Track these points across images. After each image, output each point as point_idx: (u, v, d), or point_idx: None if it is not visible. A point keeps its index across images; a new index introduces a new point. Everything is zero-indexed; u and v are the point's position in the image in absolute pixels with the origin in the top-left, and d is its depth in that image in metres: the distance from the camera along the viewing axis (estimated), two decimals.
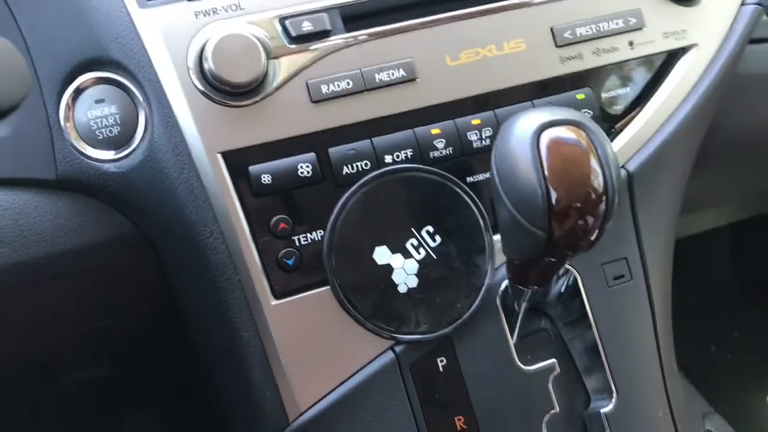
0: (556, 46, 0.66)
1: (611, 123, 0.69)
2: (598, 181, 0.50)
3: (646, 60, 0.70)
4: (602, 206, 0.50)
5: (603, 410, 0.64)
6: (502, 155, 0.52)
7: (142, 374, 0.89)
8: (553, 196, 0.49)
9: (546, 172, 0.49)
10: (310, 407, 0.60)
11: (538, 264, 0.56)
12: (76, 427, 0.92)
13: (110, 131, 0.61)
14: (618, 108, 0.69)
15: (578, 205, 0.50)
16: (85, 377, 0.86)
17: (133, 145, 0.61)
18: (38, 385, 0.81)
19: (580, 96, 0.67)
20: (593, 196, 0.50)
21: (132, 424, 0.97)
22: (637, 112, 0.69)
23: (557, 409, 0.64)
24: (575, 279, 0.66)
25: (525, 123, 0.51)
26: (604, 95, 0.68)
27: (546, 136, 0.50)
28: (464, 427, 0.62)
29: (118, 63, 0.60)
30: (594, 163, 0.50)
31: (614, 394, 0.65)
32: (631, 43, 0.69)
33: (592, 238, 0.52)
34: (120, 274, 0.68)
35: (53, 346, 0.74)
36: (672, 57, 0.70)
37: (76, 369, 0.84)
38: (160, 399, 0.92)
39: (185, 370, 0.81)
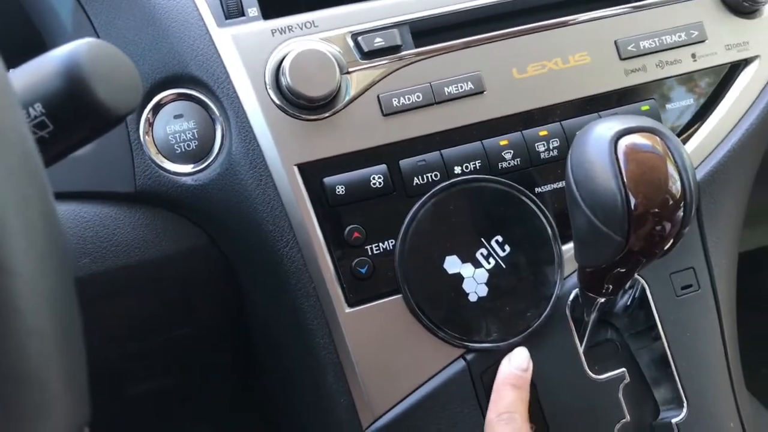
0: (621, 58, 0.68)
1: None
2: (675, 187, 0.51)
3: (709, 72, 0.70)
4: (680, 212, 0.51)
5: (674, 420, 0.64)
6: (578, 163, 0.53)
7: (204, 385, 0.91)
8: (632, 201, 0.50)
9: (625, 178, 0.50)
10: (384, 414, 0.61)
11: (611, 272, 0.57)
12: None
13: (188, 145, 0.63)
14: (681, 120, 0.70)
15: (656, 210, 0.50)
16: (150, 387, 0.87)
17: (210, 159, 0.63)
18: (105, 394, 0.82)
19: (645, 108, 0.68)
20: (671, 201, 0.51)
21: None
22: (701, 124, 0.70)
23: (628, 418, 0.64)
24: (643, 289, 0.66)
25: (601, 131, 0.52)
26: (667, 107, 0.69)
27: (623, 143, 0.51)
28: None
29: (198, 80, 0.63)
30: (671, 169, 0.51)
31: (685, 405, 0.65)
32: (693, 56, 0.69)
33: (669, 244, 0.52)
34: (193, 284, 0.69)
35: (124, 355, 0.76)
36: (734, 69, 0.71)
37: (142, 379, 0.85)
38: (220, 410, 0.93)
39: (246, 380, 0.82)
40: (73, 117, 0.37)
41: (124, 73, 0.39)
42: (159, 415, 0.91)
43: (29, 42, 0.69)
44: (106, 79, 0.37)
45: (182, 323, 0.72)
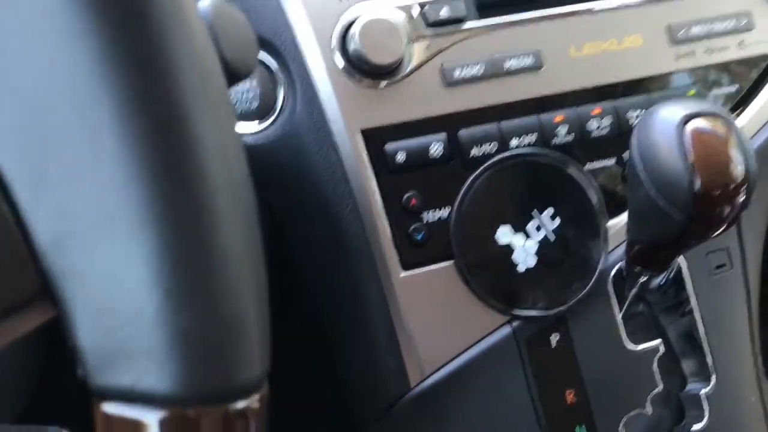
0: (672, 43, 0.69)
1: None
2: (738, 171, 0.53)
3: (754, 60, 0.72)
4: (741, 196, 0.53)
5: (703, 391, 0.68)
6: (644, 143, 0.55)
7: None
8: (697, 182, 0.52)
9: (691, 160, 0.52)
10: (431, 374, 0.64)
11: (661, 250, 0.60)
12: None
13: (250, 105, 0.65)
14: (724, 105, 0.72)
15: (719, 192, 0.53)
16: None
17: (271, 119, 0.64)
18: None
19: (691, 93, 0.70)
20: (733, 185, 0.53)
21: None
22: (741, 110, 0.72)
23: (661, 387, 0.67)
24: (679, 267, 0.69)
25: (669, 113, 0.54)
26: (712, 92, 0.71)
27: (690, 127, 0.53)
28: (574, 400, 0.65)
29: (264, 40, 0.63)
30: (735, 154, 0.53)
31: (713, 377, 0.69)
32: (740, 44, 0.71)
33: (725, 226, 0.55)
34: None
35: None
36: None
37: None
38: None
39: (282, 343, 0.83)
40: None
41: (245, 35, 0.40)
42: None
43: None
44: (231, 39, 0.38)
45: None
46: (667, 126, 0.54)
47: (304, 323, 0.72)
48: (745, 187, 0.53)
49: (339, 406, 0.72)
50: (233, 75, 0.39)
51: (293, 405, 0.75)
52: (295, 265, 0.69)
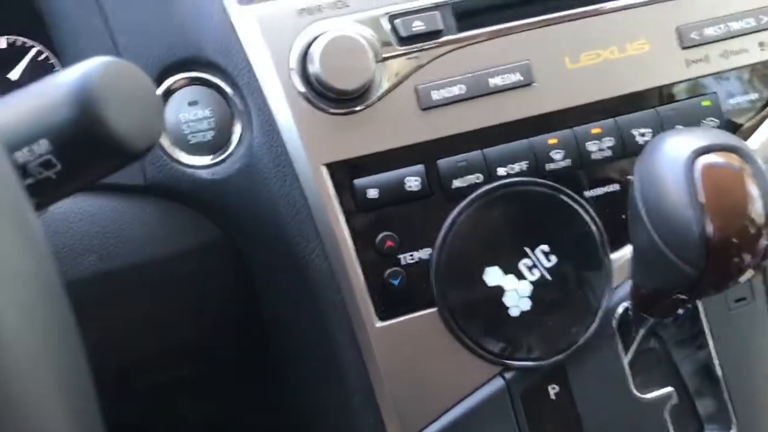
0: (682, 47, 0.61)
1: (735, 132, 0.63)
2: (757, 213, 0.45)
3: None
4: (763, 240, 0.45)
5: None
6: (648, 182, 0.47)
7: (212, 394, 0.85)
8: (709, 229, 0.44)
9: (703, 204, 0.44)
10: None
11: (671, 297, 0.52)
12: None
13: (204, 136, 0.58)
14: (743, 115, 0.63)
15: (736, 240, 0.45)
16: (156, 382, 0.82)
17: (228, 152, 0.57)
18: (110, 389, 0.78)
19: (706, 103, 0.61)
20: (753, 230, 0.45)
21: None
22: (763, 119, 0.64)
23: None
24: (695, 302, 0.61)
25: (677, 147, 0.46)
26: (730, 101, 0.63)
27: (701, 163, 0.45)
28: None
29: (214, 64, 0.56)
30: (754, 193, 0.45)
31: (734, 425, 0.61)
32: (761, 44, 0.63)
33: (745, 277, 0.47)
34: (206, 285, 0.64)
35: (133, 354, 0.71)
36: None
37: (149, 374, 0.80)
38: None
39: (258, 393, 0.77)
40: (85, 155, 0.31)
41: (144, 101, 0.33)
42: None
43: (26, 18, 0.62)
44: (123, 109, 0.31)
45: (193, 327, 0.67)
46: (674, 162, 0.46)
47: (270, 380, 0.65)
48: (766, 230, 0.45)
49: None
50: (128, 151, 0.32)
51: None
52: (261, 317, 0.62)
